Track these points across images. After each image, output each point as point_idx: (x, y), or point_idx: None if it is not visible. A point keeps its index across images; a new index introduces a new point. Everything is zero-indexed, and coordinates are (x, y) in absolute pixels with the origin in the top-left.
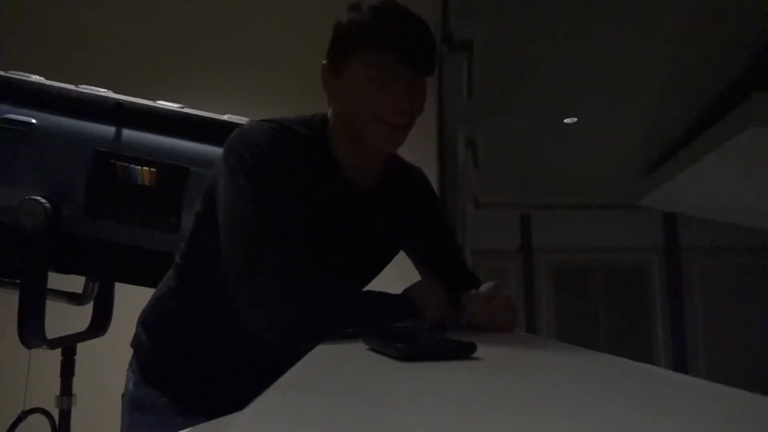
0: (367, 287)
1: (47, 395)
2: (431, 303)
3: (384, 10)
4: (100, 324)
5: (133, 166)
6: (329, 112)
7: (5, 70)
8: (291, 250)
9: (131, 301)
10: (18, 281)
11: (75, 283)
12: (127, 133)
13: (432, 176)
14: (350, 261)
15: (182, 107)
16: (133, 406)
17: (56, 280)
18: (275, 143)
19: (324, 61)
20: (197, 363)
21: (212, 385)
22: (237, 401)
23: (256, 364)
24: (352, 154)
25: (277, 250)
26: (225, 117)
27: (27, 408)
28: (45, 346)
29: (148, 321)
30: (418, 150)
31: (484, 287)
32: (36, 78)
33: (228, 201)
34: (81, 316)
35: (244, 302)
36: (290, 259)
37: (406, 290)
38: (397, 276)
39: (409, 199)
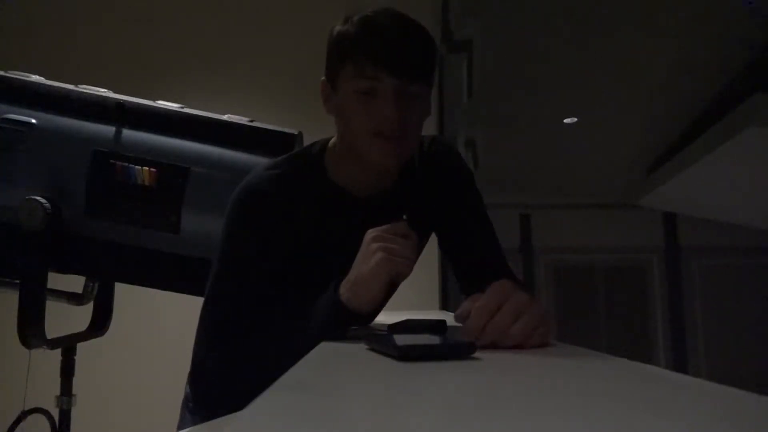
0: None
1: (47, 395)
2: (366, 302)
3: (372, 19)
4: (100, 324)
5: (132, 166)
6: (335, 136)
7: (5, 70)
8: (240, 320)
9: (131, 301)
10: (18, 281)
11: (75, 283)
12: (127, 133)
13: None
14: None
15: (182, 107)
16: (183, 404)
17: (56, 280)
18: (254, 205)
19: (323, 78)
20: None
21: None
22: None
23: None
24: (352, 171)
25: (222, 326)
26: (225, 117)
27: (27, 408)
28: (45, 346)
29: None
30: None
31: (490, 289)
32: (36, 78)
33: (213, 266)
34: (81, 316)
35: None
36: (234, 334)
37: (339, 289)
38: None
39: (429, 192)
